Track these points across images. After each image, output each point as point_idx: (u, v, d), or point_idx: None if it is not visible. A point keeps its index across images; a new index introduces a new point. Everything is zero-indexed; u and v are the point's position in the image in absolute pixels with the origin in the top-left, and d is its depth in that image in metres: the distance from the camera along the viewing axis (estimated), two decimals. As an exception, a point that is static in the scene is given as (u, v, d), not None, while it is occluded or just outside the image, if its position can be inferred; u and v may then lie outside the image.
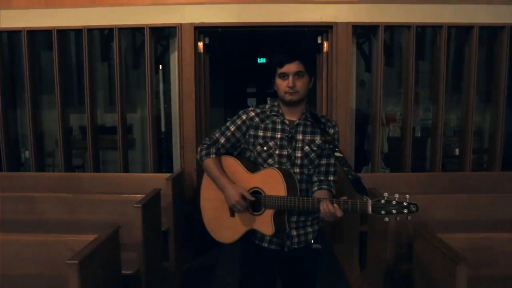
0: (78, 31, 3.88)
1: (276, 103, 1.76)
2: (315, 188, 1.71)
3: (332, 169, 1.75)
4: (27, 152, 4.80)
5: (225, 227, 1.73)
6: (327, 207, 1.51)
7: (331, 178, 1.75)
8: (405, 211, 1.41)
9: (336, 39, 3.76)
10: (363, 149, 5.13)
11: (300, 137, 1.71)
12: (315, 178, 1.73)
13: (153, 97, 3.93)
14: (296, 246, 1.73)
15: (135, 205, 2.46)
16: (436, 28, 3.90)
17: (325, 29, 3.85)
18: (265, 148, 1.70)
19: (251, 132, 1.73)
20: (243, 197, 1.62)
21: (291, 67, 1.64)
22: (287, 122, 1.72)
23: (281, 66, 1.65)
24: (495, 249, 1.96)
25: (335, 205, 1.50)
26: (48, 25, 3.79)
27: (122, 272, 2.27)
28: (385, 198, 1.44)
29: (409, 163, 3.86)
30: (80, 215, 2.85)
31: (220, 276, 3.31)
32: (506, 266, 1.96)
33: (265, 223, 1.62)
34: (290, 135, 1.70)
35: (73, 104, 5.14)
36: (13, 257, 2.01)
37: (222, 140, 1.76)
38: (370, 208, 1.44)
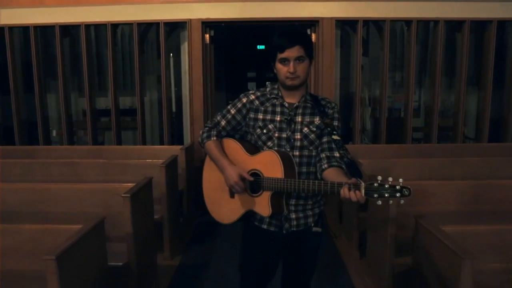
0: (103, 26, 4.56)
1: (276, 86, 1.76)
2: (325, 165, 1.68)
3: (334, 145, 1.69)
4: (54, 131, 5.53)
5: (224, 208, 1.77)
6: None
7: (337, 154, 1.69)
8: (398, 194, 1.40)
9: (322, 32, 4.43)
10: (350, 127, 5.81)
11: (299, 119, 1.71)
12: (322, 155, 1.71)
13: (167, 82, 4.62)
14: (295, 229, 1.73)
15: (160, 165, 3.16)
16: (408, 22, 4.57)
17: (313, 23, 4.52)
18: (264, 131, 1.70)
19: (251, 115, 1.74)
20: (242, 178, 1.64)
21: (292, 52, 1.61)
22: (286, 104, 1.72)
23: (282, 51, 1.62)
24: (427, 192, 2.69)
25: (350, 191, 1.44)
26: (77, 20, 4.47)
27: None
28: (379, 181, 1.41)
29: (384, 136, 4.58)
30: (113, 176, 3.53)
31: (224, 233, 3.94)
32: (434, 204, 2.70)
33: (262, 205, 1.64)
34: (289, 118, 1.70)
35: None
36: (79, 200, 2.76)
37: (223, 122, 1.78)
38: (363, 191, 1.42)
